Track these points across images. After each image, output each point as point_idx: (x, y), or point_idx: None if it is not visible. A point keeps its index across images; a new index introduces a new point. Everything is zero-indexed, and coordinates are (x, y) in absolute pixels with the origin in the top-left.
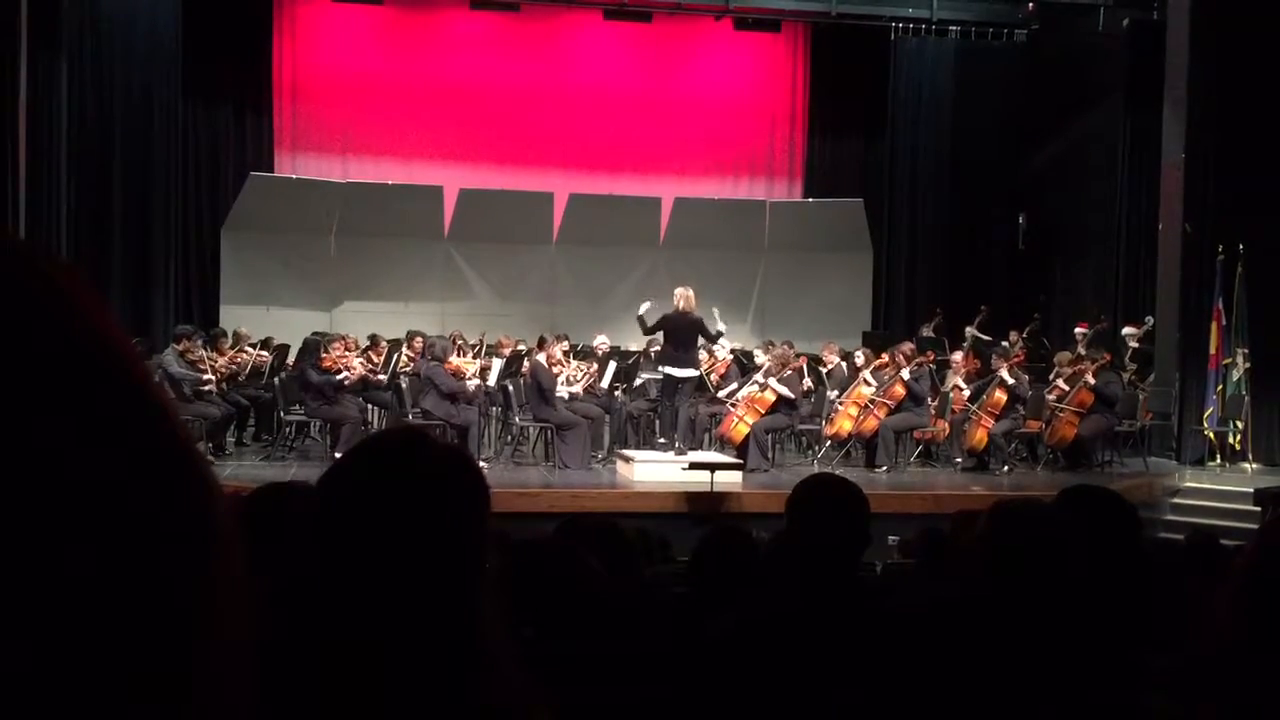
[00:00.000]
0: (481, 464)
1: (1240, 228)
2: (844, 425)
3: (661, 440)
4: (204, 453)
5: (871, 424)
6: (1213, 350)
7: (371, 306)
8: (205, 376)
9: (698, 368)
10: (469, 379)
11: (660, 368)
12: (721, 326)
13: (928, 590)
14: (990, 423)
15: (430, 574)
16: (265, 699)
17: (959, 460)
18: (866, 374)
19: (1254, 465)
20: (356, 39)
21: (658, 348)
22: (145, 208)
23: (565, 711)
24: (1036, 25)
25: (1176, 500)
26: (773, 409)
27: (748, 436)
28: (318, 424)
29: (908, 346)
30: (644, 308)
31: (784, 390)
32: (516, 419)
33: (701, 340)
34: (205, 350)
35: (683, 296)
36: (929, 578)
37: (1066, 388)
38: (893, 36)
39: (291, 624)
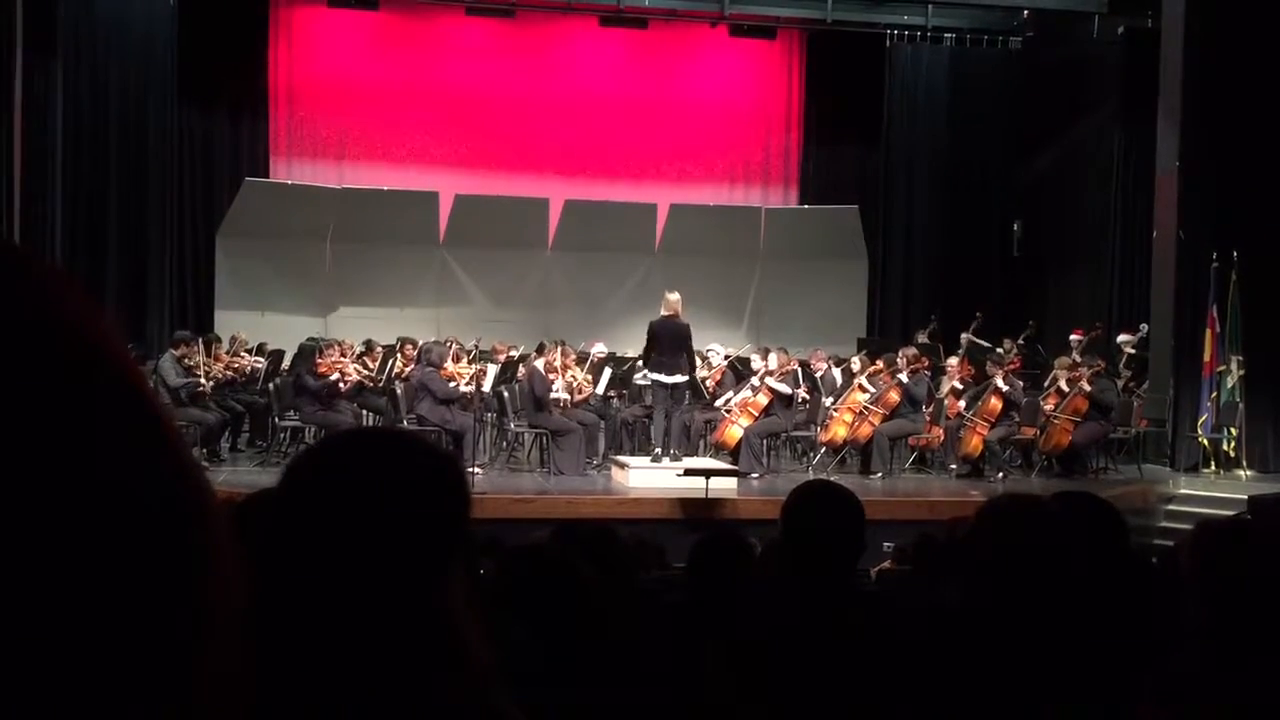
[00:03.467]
0: (476, 470)
1: (1234, 235)
2: (839, 431)
3: (658, 450)
4: (198, 458)
5: (866, 430)
6: (1207, 358)
7: (367, 312)
8: (203, 382)
9: (686, 373)
10: (463, 385)
11: (648, 374)
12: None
13: (925, 597)
14: (985, 429)
15: (393, 569)
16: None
17: (954, 467)
18: (863, 379)
19: (1248, 472)
20: (352, 45)
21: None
22: (140, 213)
23: (558, 716)
24: (1031, 33)
25: (1171, 507)
26: (766, 412)
27: (741, 441)
28: (312, 430)
29: (910, 351)
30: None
31: (781, 387)
32: (512, 425)
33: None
34: (202, 355)
35: (670, 303)
36: (924, 584)
37: (1062, 393)
38: (888, 43)
39: (270, 624)
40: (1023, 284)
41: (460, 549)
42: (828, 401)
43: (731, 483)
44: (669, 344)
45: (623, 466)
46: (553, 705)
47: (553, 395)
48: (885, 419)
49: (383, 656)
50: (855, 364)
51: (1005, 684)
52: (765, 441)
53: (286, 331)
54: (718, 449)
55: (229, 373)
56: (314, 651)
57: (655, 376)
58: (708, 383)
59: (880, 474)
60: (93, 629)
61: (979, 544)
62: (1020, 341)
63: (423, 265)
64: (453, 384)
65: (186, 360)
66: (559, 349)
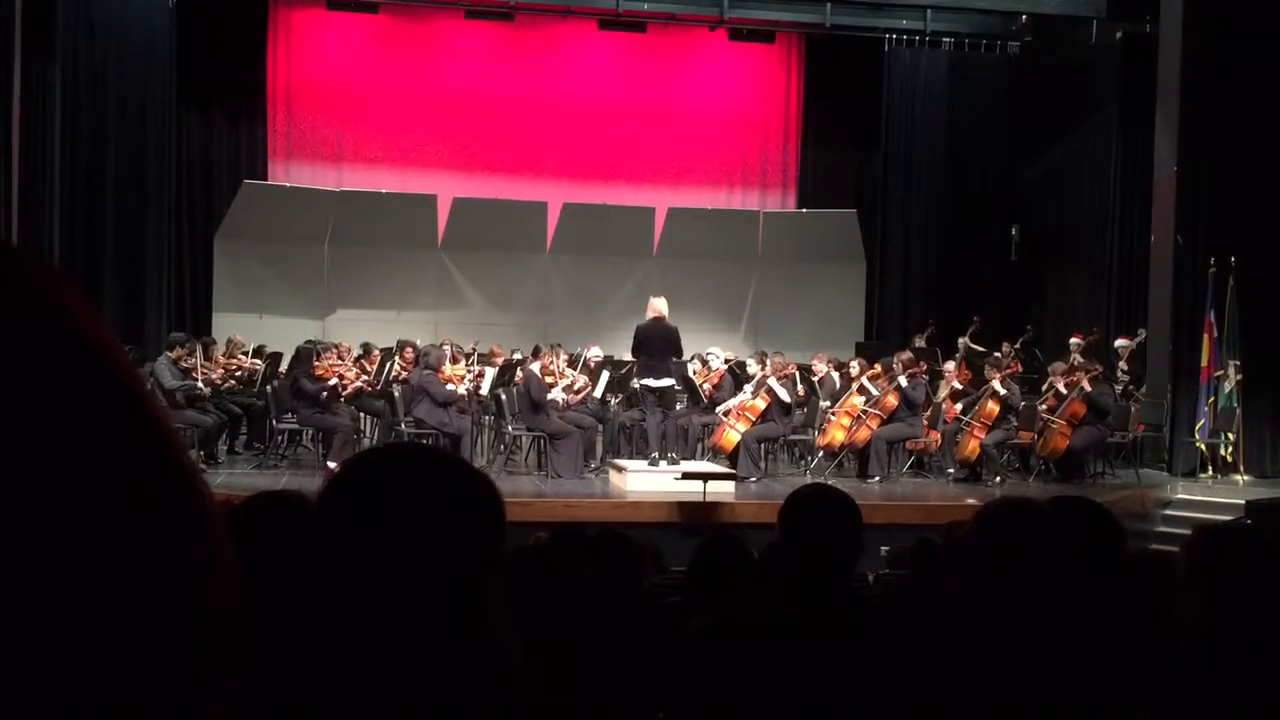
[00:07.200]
0: None
1: (1232, 240)
2: (836, 435)
3: (654, 454)
4: (196, 461)
5: (864, 434)
6: (1204, 362)
7: (365, 315)
8: (200, 385)
9: (673, 376)
10: (460, 388)
11: (636, 379)
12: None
13: (924, 602)
14: (982, 433)
15: (427, 583)
16: (260, 702)
17: (951, 471)
18: (864, 381)
19: (1245, 477)
20: (351, 47)
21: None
22: (138, 215)
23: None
24: (1030, 37)
25: (1168, 512)
26: (764, 417)
27: (738, 445)
28: (310, 432)
29: (906, 355)
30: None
31: (781, 390)
32: (509, 428)
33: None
34: (199, 358)
35: (655, 307)
36: (921, 588)
37: (1060, 397)
38: (886, 48)
39: (288, 628)
40: (1020, 288)
41: (495, 564)
42: (825, 405)
43: (729, 486)
44: (656, 348)
45: (620, 470)
46: (553, 709)
47: (549, 396)
48: (883, 423)
49: (416, 669)
50: (854, 368)
51: (1003, 688)
52: (763, 445)
53: (284, 334)
54: (715, 453)
55: (230, 380)
56: (347, 663)
57: (643, 380)
58: (705, 387)
59: (878, 478)
60: (90, 632)
61: (976, 548)
62: (1017, 346)
63: (421, 268)
64: (450, 387)
65: (183, 363)
66: (555, 352)
